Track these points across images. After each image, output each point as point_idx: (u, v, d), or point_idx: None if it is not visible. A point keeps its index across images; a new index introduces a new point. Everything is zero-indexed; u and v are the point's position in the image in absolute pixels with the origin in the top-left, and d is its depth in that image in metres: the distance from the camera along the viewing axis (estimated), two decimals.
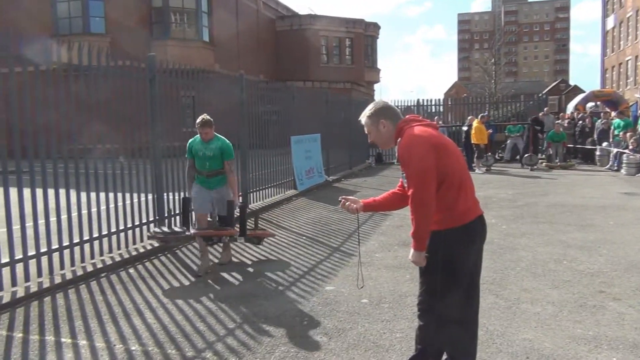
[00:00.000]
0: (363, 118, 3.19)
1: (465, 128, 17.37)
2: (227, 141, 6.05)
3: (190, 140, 6.17)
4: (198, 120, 5.92)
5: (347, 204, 3.36)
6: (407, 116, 3.13)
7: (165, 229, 6.18)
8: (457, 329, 3.04)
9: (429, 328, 3.04)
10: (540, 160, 17.84)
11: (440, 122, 20.87)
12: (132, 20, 25.26)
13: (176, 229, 6.07)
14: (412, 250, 2.92)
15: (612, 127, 16.99)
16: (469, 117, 17.85)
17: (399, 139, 3.02)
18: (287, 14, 38.81)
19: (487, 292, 5.00)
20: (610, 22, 46.62)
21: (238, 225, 6.32)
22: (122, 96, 6.71)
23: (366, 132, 3.20)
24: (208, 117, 5.96)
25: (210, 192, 6.06)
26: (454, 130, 19.60)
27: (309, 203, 10.94)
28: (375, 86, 44.73)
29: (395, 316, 4.45)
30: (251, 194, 10.19)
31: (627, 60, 41.01)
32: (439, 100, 23.53)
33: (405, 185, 3.00)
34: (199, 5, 27.29)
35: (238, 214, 6.37)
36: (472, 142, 16.44)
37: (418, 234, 2.86)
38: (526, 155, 17.35)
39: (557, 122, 19.21)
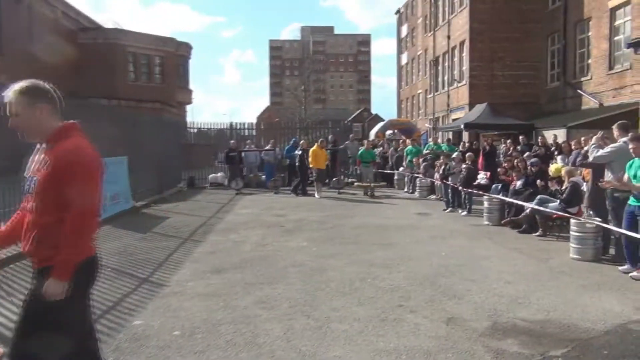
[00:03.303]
0: (11, 93, 2.58)
1: (299, 152, 17.43)
2: None
3: None
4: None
5: None
6: (69, 122, 2.72)
7: None
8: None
9: None
10: (351, 181, 19.19)
11: (252, 146, 21.32)
12: None
13: None
14: (53, 280, 2.49)
15: (405, 154, 18.97)
16: (302, 142, 18.36)
17: (60, 140, 2.61)
18: (90, 25, 36.46)
19: (299, 313, 5.20)
20: (404, 59, 52.55)
21: None
22: None
23: (10, 112, 2.61)
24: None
25: None
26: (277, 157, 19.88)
27: (114, 231, 10.30)
28: (187, 107, 44.16)
29: (209, 346, 4.39)
30: None
31: (419, 93, 46.43)
32: (252, 124, 24.09)
33: (34, 190, 2.58)
34: None
35: None
36: (310, 166, 16.49)
37: (71, 262, 2.51)
38: (334, 178, 18.52)
39: (369, 140, 20.94)
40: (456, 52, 30.22)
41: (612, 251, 7.90)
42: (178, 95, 39.31)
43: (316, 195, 16.16)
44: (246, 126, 23.68)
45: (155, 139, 16.11)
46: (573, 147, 13.25)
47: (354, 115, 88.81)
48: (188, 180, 20.36)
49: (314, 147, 16.84)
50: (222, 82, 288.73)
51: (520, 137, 17.59)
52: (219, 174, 21.02)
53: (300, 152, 17.31)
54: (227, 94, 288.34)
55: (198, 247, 8.68)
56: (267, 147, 20.78)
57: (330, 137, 20.27)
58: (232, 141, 20.67)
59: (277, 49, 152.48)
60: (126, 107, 29.04)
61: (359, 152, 18.64)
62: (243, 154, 20.17)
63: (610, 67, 20.31)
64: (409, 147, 19.15)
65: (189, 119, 39.24)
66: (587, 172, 8.73)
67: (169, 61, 37.82)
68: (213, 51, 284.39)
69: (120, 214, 12.10)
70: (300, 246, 8.73)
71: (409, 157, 18.43)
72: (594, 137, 8.18)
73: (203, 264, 7.42)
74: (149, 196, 15.19)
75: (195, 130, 24.11)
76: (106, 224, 10.98)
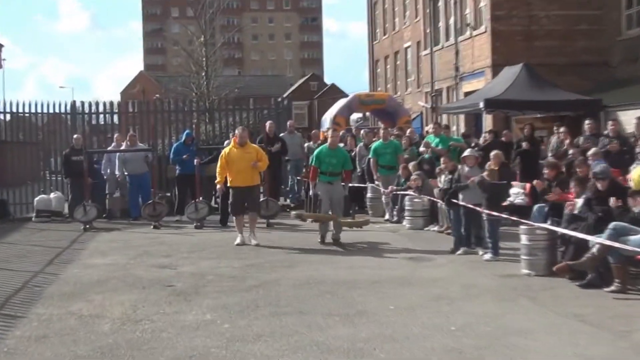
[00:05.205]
0: None
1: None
2: None
3: None
4: None
5: None
6: None
7: None
8: None
9: None
10: (291, 209, 19.08)
11: (121, 144, 20.49)
12: None
13: None
14: None
15: (372, 154, 18.73)
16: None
17: None
18: None
19: None
20: None
21: None
22: None
23: None
24: None
25: None
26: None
27: None
28: None
29: None
30: None
31: (406, 48, 46.76)
32: (112, 104, 23.73)
33: None
34: None
35: None
36: (217, 183, 15.60)
37: None
38: (262, 199, 18.42)
39: (326, 129, 20.65)
40: None
41: None
42: None
43: (237, 240, 14.82)
44: (101, 108, 23.30)
45: None
46: None
47: (294, 87, 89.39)
48: None
49: (228, 147, 15.27)
50: (58, 31, 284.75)
51: (587, 124, 17.72)
52: (52, 195, 20.68)
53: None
54: (67, 52, 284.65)
55: (15, 327, 8.50)
56: (124, 146, 19.92)
57: (269, 123, 19.51)
58: (75, 136, 20.34)
59: None
60: None
61: (315, 152, 15.45)
62: (98, 157, 19.84)
63: None
64: (378, 142, 19.14)
65: None
66: None
67: None
68: None
69: None
70: (202, 321, 8.60)
71: (379, 161, 18.42)
72: None
73: (23, 359, 7.26)
74: None
75: (9, 117, 23.62)
76: None
